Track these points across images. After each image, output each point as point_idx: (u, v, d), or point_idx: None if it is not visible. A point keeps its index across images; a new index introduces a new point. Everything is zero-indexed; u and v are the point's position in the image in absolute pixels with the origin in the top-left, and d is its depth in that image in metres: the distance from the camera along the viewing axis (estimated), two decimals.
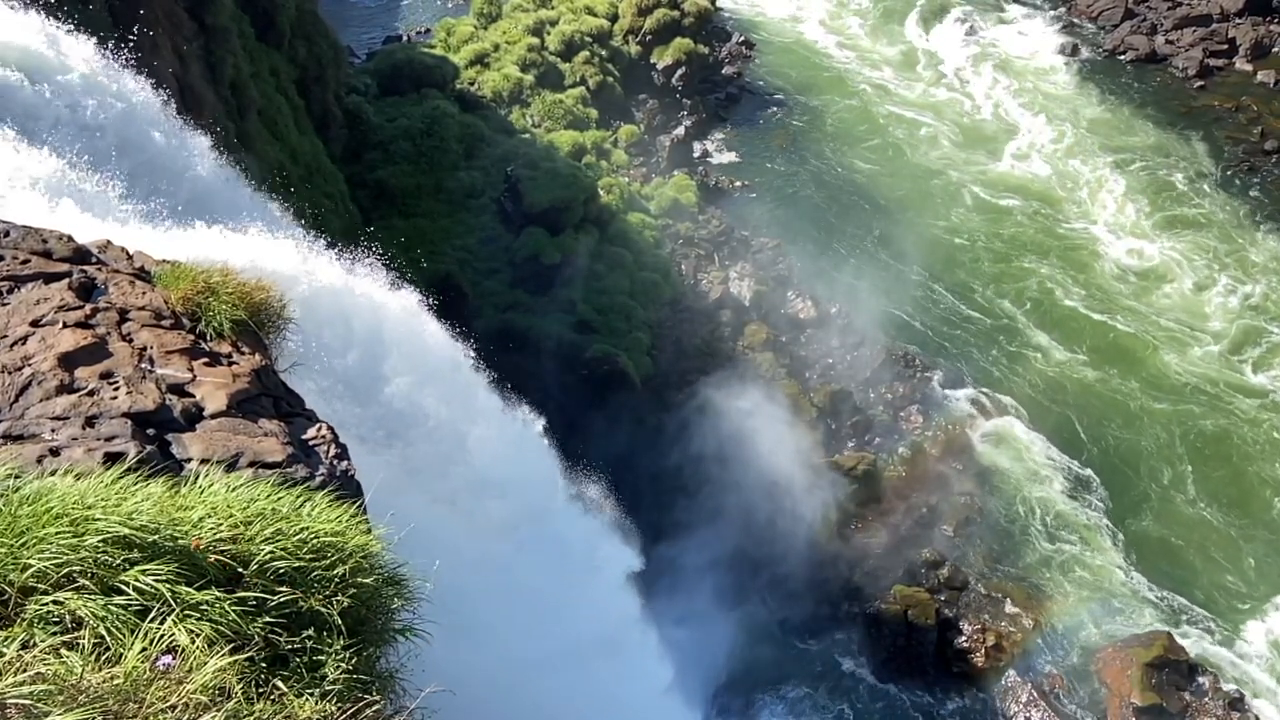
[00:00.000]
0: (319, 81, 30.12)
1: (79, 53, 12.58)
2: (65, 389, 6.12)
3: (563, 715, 14.90)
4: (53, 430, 5.84)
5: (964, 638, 23.77)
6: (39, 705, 3.34)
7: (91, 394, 6.13)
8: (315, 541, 4.66)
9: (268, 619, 4.25)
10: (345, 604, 4.55)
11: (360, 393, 10.70)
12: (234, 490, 4.92)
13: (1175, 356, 31.21)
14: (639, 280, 30.39)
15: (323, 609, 4.46)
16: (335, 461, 6.67)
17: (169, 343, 6.77)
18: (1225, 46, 44.74)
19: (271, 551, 4.46)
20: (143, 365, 6.50)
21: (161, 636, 3.82)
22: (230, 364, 6.90)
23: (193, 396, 6.49)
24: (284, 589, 4.37)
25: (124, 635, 3.80)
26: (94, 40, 13.03)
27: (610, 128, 37.38)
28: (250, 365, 6.96)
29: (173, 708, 3.58)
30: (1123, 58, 45.45)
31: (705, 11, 42.66)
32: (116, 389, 6.21)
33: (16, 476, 4.71)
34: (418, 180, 31.60)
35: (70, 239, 7.45)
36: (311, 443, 6.76)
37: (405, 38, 43.74)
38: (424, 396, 12.35)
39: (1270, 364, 30.99)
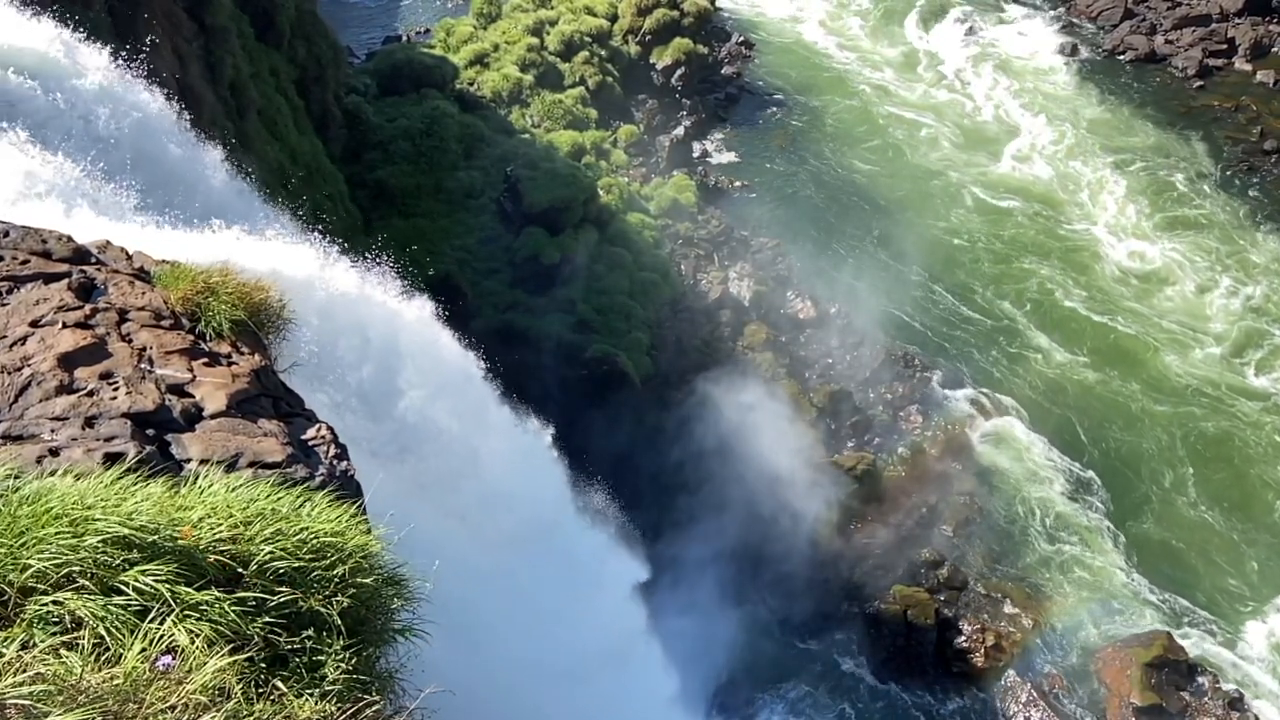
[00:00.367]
0: (318, 81, 30.11)
1: (94, 61, 12.58)
2: (65, 389, 6.12)
3: None
4: (52, 430, 5.84)
5: (963, 638, 23.78)
6: (39, 705, 3.34)
7: (91, 394, 6.12)
8: (315, 542, 4.66)
9: (267, 619, 4.25)
10: (345, 604, 4.55)
11: (374, 407, 10.62)
12: (233, 490, 4.92)
13: (1176, 358, 31.20)
14: (638, 280, 30.39)
15: (322, 609, 4.46)
16: (335, 462, 6.67)
17: (168, 343, 6.77)
18: (1224, 46, 44.76)
19: (271, 552, 4.46)
20: (142, 365, 6.50)
21: (161, 637, 3.82)
22: (230, 364, 6.90)
23: (192, 397, 6.49)
24: (284, 589, 4.37)
25: (124, 635, 3.80)
26: (108, 49, 13.03)
27: (610, 128, 37.38)
28: (250, 365, 6.96)
29: (172, 708, 3.58)
30: (1122, 58, 45.46)
31: (705, 11, 42.66)
32: (116, 389, 6.21)
33: (16, 477, 4.71)
34: (417, 180, 31.60)
35: (70, 239, 7.45)
36: (311, 443, 6.76)
37: (405, 38, 43.74)
38: (437, 410, 12.30)
39: (1271, 366, 30.97)
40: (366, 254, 13.28)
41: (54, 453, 5.65)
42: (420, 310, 13.62)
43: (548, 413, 21.81)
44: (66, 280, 7.01)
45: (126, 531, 4.14)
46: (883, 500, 26.98)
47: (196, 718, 3.60)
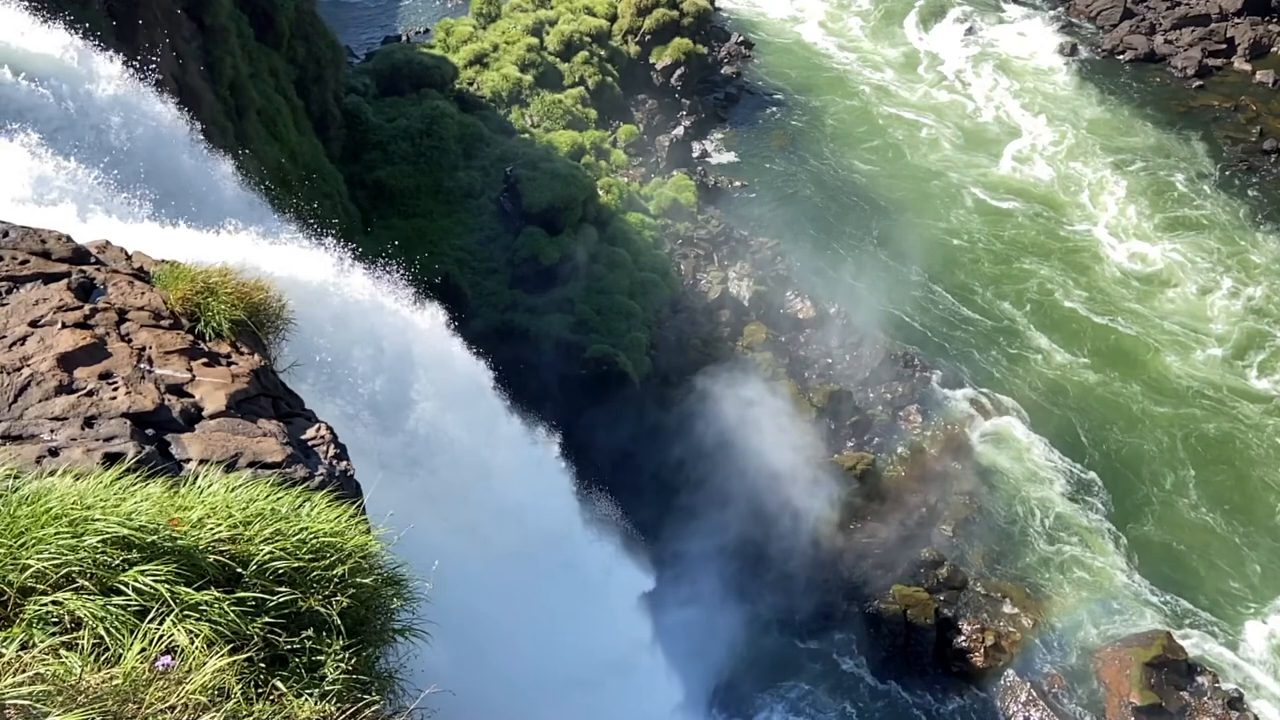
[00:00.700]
0: (318, 81, 30.11)
1: (108, 70, 12.57)
2: (64, 389, 6.12)
3: None
4: (52, 431, 5.84)
5: (963, 637, 23.78)
6: (38, 706, 3.34)
7: (90, 394, 6.12)
8: (314, 542, 4.66)
9: (267, 619, 4.25)
10: (344, 604, 4.55)
11: (386, 419, 10.53)
12: (233, 490, 4.92)
13: (1177, 359, 31.17)
14: (638, 280, 30.39)
15: (322, 609, 4.46)
16: (334, 462, 6.67)
17: (168, 343, 6.77)
18: (1224, 46, 44.77)
19: (270, 552, 4.46)
20: (141, 365, 6.50)
21: (160, 637, 3.82)
22: (229, 364, 6.90)
23: (191, 397, 6.48)
24: (283, 589, 4.37)
25: (123, 636, 3.80)
26: (119, 57, 13.02)
27: (609, 128, 37.38)
28: (249, 365, 6.96)
29: (172, 708, 3.57)
30: (1121, 57, 45.47)
31: (704, 11, 42.67)
32: (115, 389, 6.21)
33: (15, 477, 4.71)
34: (417, 180, 31.59)
35: (69, 239, 7.45)
36: (310, 443, 6.76)
37: (404, 38, 43.72)
38: (448, 422, 12.23)
39: (1273, 368, 30.92)
40: (367, 255, 13.26)
41: (53, 453, 5.64)
42: (433, 319, 13.58)
43: (547, 412, 21.83)
44: (66, 280, 7.01)
45: (126, 532, 4.14)
46: (882, 500, 26.97)
47: (196, 718, 3.59)
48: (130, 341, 6.69)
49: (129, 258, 7.71)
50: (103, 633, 3.80)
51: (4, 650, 3.62)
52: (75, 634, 3.80)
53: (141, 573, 4.01)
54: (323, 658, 4.35)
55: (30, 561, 3.93)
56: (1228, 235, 35.68)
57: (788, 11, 49.21)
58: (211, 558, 4.29)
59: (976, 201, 37.33)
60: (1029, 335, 32.12)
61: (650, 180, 35.77)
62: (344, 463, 6.72)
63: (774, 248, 33.94)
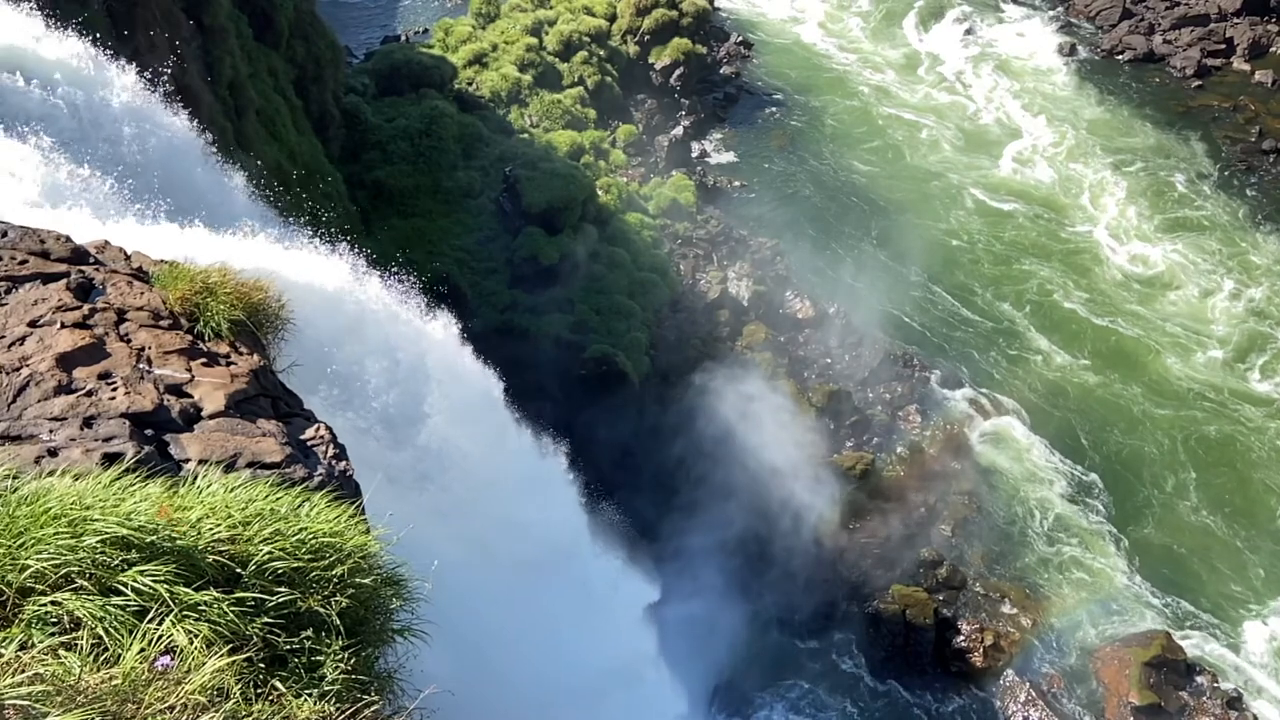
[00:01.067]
0: (317, 81, 30.10)
1: (121, 80, 12.55)
2: (63, 389, 6.12)
3: None
4: (51, 431, 5.83)
5: (962, 637, 23.79)
6: (37, 706, 3.34)
7: (89, 394, 6.12)
8: (314, 542, 4.66)
9: (266, 619, 4.25)
10: (344, 604, 4.55)
11: (398, 433, 10.43)
12: (232, 491, 4.92)
13: (1177, 361, 31.13)
14: (637, 280, 30.39)
15: (321, 609, 4.46)
16: (333, 462, 6.67)
17: (167, 343, 6.76)
18: (1223, 46, 44.79)
19: (270, 552, 4.46)
20: (141, 366, 6.49)
21: (160, 637, 3.82)
22: (228, 364, 6.90)
23: (191, 397, 6.48)
24: (282, 589, 4.37)
25: (122, 636, 3.80)
26: (135, 67, 13.01)
27: (608, 128, 37.38)
28: (248, 366, 6.96)
29: (171, 708, 3.57)
30: (1120, 57, 45.48)
31: (703, 11, 42.67)
32: (114, 389, 6.21)
33: (14, 477, 4.71)
34: (416, 180, 31.59)
35: (68, 239, 7.44)
36: (310, 443, 6.76)
37: (403, 38, 43.72)
38: (459, 436, 12.12)
39: (1274, 371, 30.86)
40: (368, 255, 13.21)
41: (52, 453, 5.64)
42: (446, 329, 13.50)
43: (547, 412, 21.83)
44: (65, 280, 7.00)
45: (125, 532, 4.14)
46: (882, 500, 26.97)
47: (195, 718, 3.59)
48: (129, 341, 6.68)
49: (128, 258, 7.70)
50: (102, 633, 3.80)
51: (3, 650, 3.61)
52: (74, 634, 3.80)
53: (140, 573, 4.01)
54: (322, 658, 4.35)
55: (29, 562, 3.93)
56: (1228, 236, 35.69)
57: (787, 12, 49.21)
58: (211, 558, 4.29)
59: (976, 202, 37.34)
60: (1029, 336, 32.11)
61: (649, 180, 35.77)
62: (343, 463, 6.72)
63: (773, 248, 33.94)
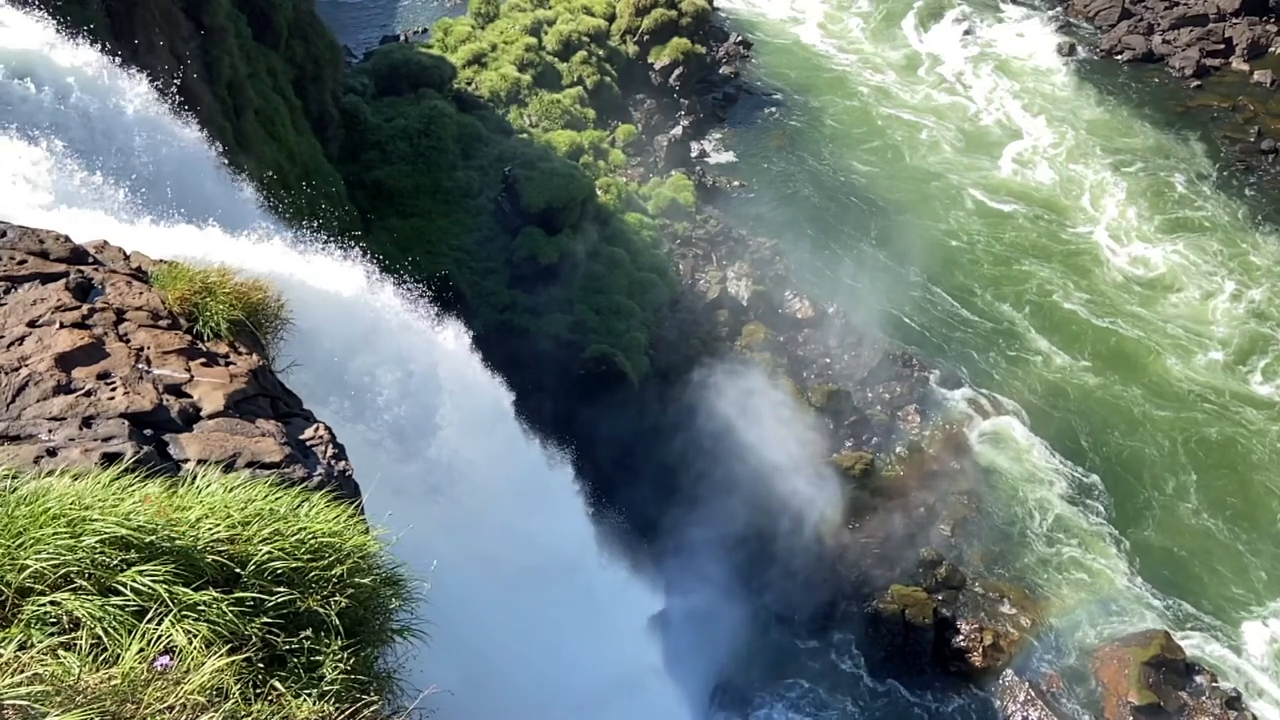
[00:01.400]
0: (316, 81, 30.08)
1: (134, 89, 12.54)
2: (62, 389, 6.11)
3: None
4: (50, 431, 5.83)
5: (961, 637, 23.79)
6: (37, 706, 3.34)
7: (88, 394, 6.12)
8: (313, 542, 4.66)
9: (265, 619, 4.25)
10: (343, 604, 4.55)
11: (409, 445, 10.37)
12: (231, 491, 4.92)
13: (1178, 363, 31.09)
14: (636, 280, 30.39)
15: (320, 609, 4.46)
16: (333, 462, 6.67)
17: (166, 343, 6.76)
18: (1222, 46, 44.80)
19: (269, 552, 4.46)
20: (140, 366, 6.49)
21: (159, 637, 3.82)
22: (227, 364, 6.89)
23: (190, 397, 6.48)
24: (282, 589, 4.37)
25: (121, 636, 3.80)
26: (135, 67, 12.99)
27: (608, 127, 37.38)
28: (247, 365, 6.96)
29: (170, 708, 3.57)
30: (1119, 57, 45.49)
31: (702, 11, 42.67)
32: (113, 389, 6.20)
33: (13, 477, 4.70)
34: (415, 180, 31.58)
35: (67, 239, 7.44)
36: (309, 443, 6.76)
37: (402, 38, 43.71)
38: (469, 448, 12.03)
39: (1275, 373, 30.77)
40: (369, 256, 13.20)
41: (51, 453, 5.64)
42: (458, 339, 13.44)
43: (546, 411, 21.81)
44: (64, 280, 7.00)
45: (124, 532, 4.14)
46: (881, 499, 26.98)
47: (194, 718, 3.59)
48: (128, 341, 6.68)
49: (127, 258, 7.70)
50: (101, 633, 3.80)
51: (3, 650, 3.61)
52: (74, 634, 3.80)
53: (140, 573, 4.01)
54: (321, 658, 4.35)
55: (28, 562, 3.93)
56: (1228, 237, 35.68)
57: (786, 12, 49.21)
58: (210, 558, 4.29)
59: (975, 202, 37.34)
60: (1029, 337, 32.10)
61: (649, 180, 35.77)
62: (342, 462, 6.72)
63: (773, 247, 33.94)
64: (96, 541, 4.06)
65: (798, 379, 29.68)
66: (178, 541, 4.27)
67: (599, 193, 32.64)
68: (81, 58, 11.94)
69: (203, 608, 4.04)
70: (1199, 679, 22.89)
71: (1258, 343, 31.75)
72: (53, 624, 3.84)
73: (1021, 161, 39.40)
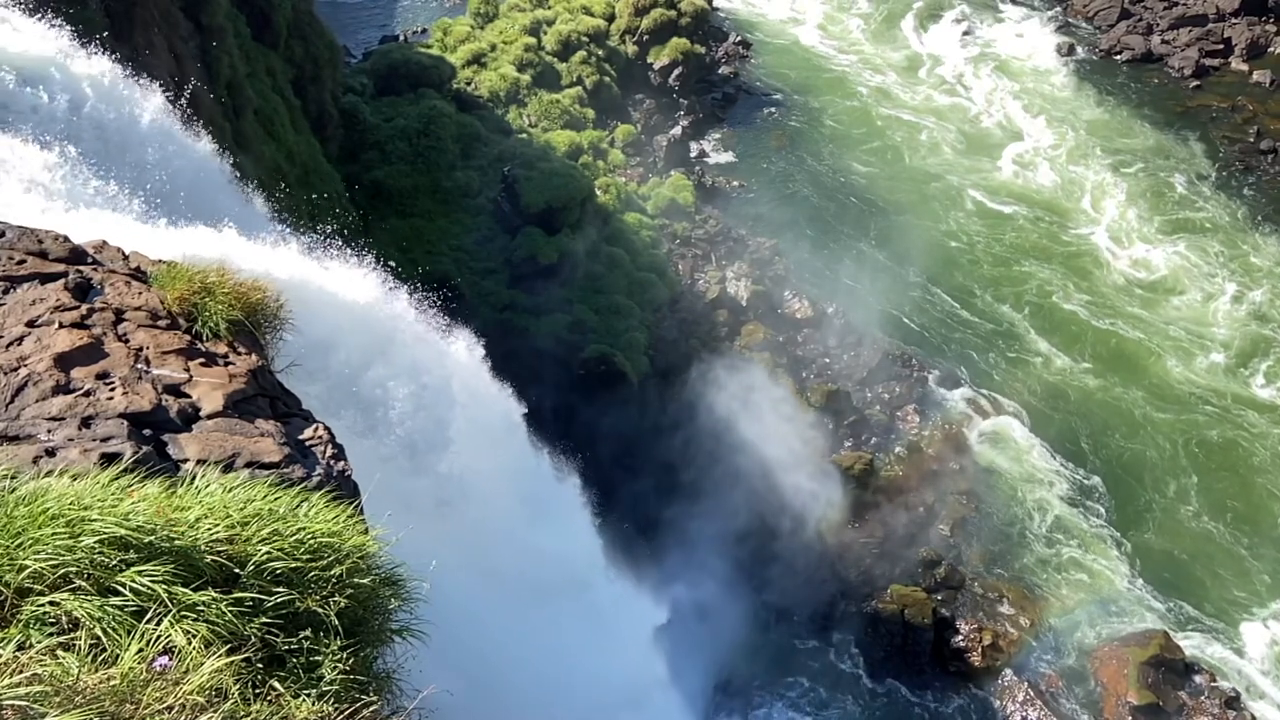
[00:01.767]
0: (315, 81, 30.08)
1: (149, 101, 12.51)
2: (61, 389, 6.11)
3: None
4: (49, 431, 5.83)
5: (961, 637, 23.80)
6: (36, 706, 3.34)
7: (87, 394, 6.11)
8: (312, 542, 4.66)
9: (264, 619, 4.25)
10: (342, 604, 4.54)
11: (421, 460, 10.29)
12: (230, 491, 4.91)
13: (1179, 364, 31.04)
14: (636, 280, 30.39)
15: (320, 609, 4.46)
16: (332, 462, 6.67)
17: (165, 343, 6.76)
18: (1221, 46, 44.81)
19: (268, 552, 4.45)
20: (139, 366, 6.49)
21: (158, 637, 3.82)
22: (227, 364, 6.89)
23: (189, 397, 6.48)
24: (281, 589, 4.37)
25: (120, 636, 3.80)
26: (149, 78, 12.97)
27: (607, 127, 37.37)
28: (247, 366, 6.96)
29: (169, 709, 3.57)
30: (1119, 58, 45.50)
31: (702, 11, 42.67)
32: (113, 389, 6.20)
33: (12, 477, 4.70)
34: (414, 180, 31.58)
35: (66, 239, 7.43)
36: (308, 443, 6.75)
37: (402, 38, 43.70)
38: (479, 461, 11.94)
39: (1277, 375, 30.73)
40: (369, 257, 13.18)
41: (50, 453, 5.64)
42: (471, 351, 13.36)
43: (545, 411, 21.79)
44: (63, 280, 7.00)
45: (123, 532, 4.14)
46: (880, 499, 26.98)
47: (194, 718, 3.59)
48: (127, 341, 6.68)
49: (126, 258, 7.70)
50: (100, 633, 3.80)
51: (2, 651, 3.61)
52: (73, 634, 3.79)
53: (139, 573, 4.01)
54: (320, 658, 4.35)
55: (27, 562, 3.93)
56: (1228, 238, 35.67)
57: (786, 12, 49.20)
58: (209, 558, 4.29)
59: (975, 203, 37.33)
60: (1029, 338, 32.08)
61: (648, 180, 35.77)
62: (341, 463, 6.72)
63: (772, 247, 33.94)
64: (95, 542, 4.05)
65: (797, 379, 29.68)
66: (177, 542, 4.26)
67: (598, 193, 32.64)
68: (97, 67, 11.89)
69: (202, 608, 4.04)
70: (1198, 679, 22.89)
71: (1259, 345, 31.72)
72: (52, 624, 3.84)
73: (1021, 162, 39.39)
